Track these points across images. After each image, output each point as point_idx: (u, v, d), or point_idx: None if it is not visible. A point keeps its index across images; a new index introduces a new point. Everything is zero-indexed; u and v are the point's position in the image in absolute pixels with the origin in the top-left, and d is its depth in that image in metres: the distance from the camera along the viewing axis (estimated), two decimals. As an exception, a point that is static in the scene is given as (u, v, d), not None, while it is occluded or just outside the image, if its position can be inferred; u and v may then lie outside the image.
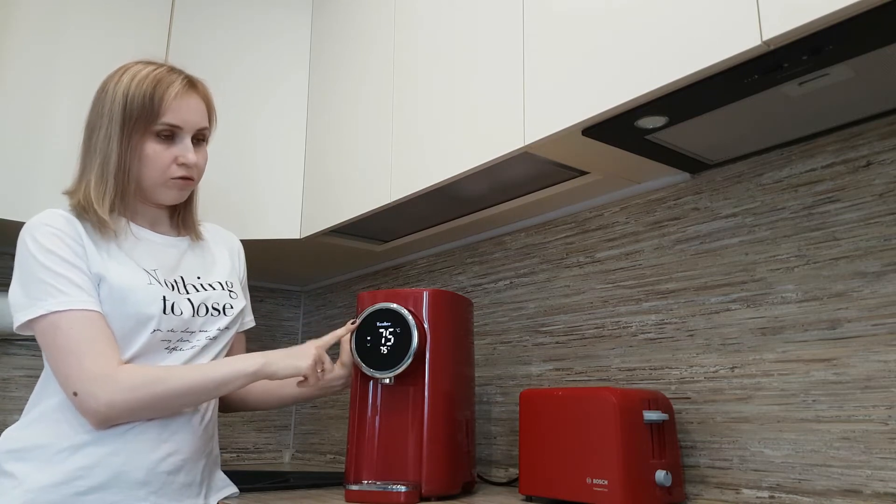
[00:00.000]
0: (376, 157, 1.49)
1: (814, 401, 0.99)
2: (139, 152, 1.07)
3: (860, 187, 0.99)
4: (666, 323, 1.21)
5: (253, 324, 1.28)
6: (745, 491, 1.05)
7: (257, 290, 2.27)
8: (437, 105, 1.33)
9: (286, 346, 2.27)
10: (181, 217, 1.19)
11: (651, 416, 1.02)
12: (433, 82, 1.36)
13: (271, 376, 1.08)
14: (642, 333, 1.24)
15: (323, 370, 1.15)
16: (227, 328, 1.14)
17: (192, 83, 1.12)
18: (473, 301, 1.62)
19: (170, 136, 1.08)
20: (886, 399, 0.92)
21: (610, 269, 1.33)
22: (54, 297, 0.98)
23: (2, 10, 1.58)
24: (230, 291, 1.17)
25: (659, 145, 1.09)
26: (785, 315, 1.04)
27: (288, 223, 1.74)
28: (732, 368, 1.10)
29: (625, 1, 0.98)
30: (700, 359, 1.14)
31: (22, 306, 0.99)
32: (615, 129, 1.03)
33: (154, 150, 1.07)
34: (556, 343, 1.41)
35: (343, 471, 1.62)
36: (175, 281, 1.10)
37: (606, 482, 0.97)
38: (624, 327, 1.28)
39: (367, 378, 1.20)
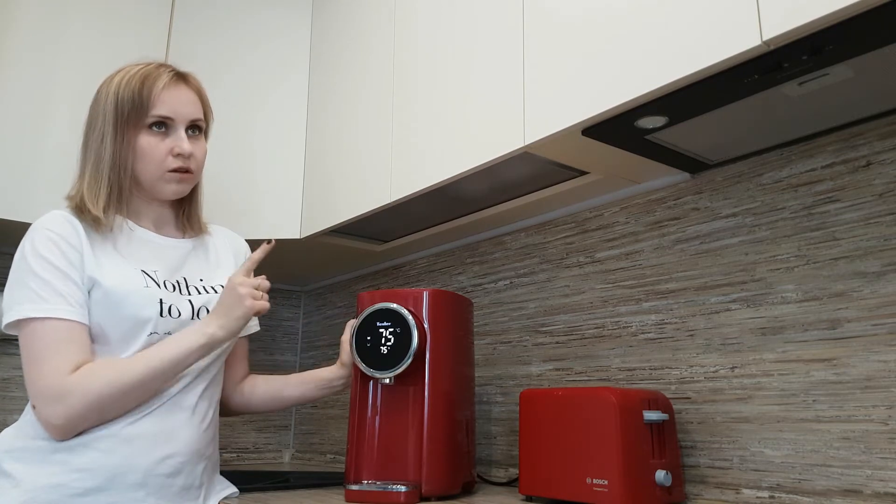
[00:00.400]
0: (376, 157, 1.49)
1: (814, 401, 0.99)
2: (133, 147, 1.07)
3: (860, 187, 0.99)
4: (666, 323, 1.21)
5: (257, 328, 1.28)
6: (745, 491, 1.05)
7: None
8: (437, 105, 1.33)
9: (286, 347, 2.29)
10: (186, 216, 1.19)
11: (651, 416, 1.02)
12: (433, 82, 1.36)
13: (226, 340, 1.04)
14: (642, 333, 1.24)
15: (265, 286, 1.08)
16: None
17: (180, 76, 1.13)
18: (473, 301, 1.62)
19: (163, 128, 1.09)
20: (886, 399, 0.92)
21: (610, 269, 1.33)
22: (34, 302, 0.98)
23: (2, 10, 1.58)
24: None
25: (659, 145, 1.09)
26: (785, 315, 1.04)
27: (288, 223, 1.74)
28: (732, 368, 1.10)
29: (625, 1, 0.98)
30: (700, 359, 1.14)
31: (6, 308, 1.00)
32: (615, 129, 1.03)
33: (148, 143, 1.08)
34: (556, 343, 1.41)
35: (343, 471, 1.63)
36: (177, 282, 1.10)
37: (606, 482, 0.96)
38: (624, 327, 1.28)
39: (367, 378, 1.20)
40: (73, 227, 1.04)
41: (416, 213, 1.50)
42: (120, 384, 0.97)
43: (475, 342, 1.60)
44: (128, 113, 1.07)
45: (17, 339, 1.00)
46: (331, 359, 1.28)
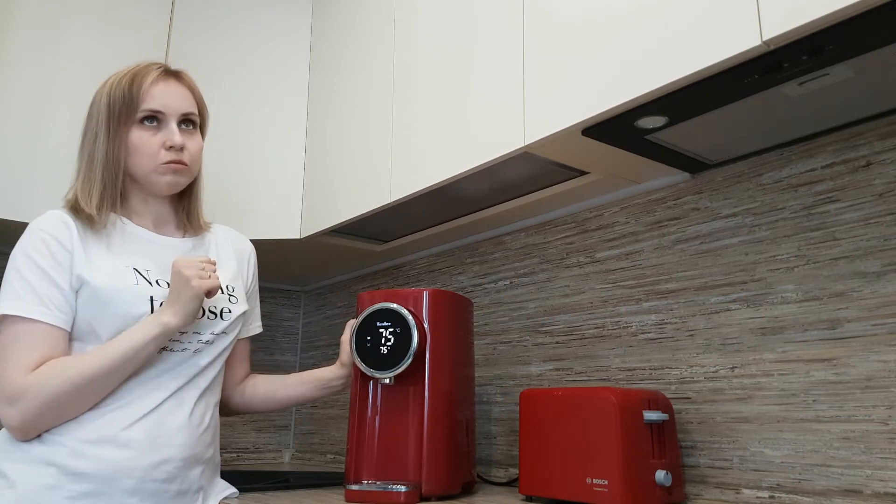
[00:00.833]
0: (376, 157, 1.49)
1: (814, 401, 0.99)
2: (126, 143, 1.08)
3: (860, 187, 0.99)
4: (666, 323, 1.21)
5: (259, 330, 1.28)
6: (745, 491, 1.05)
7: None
8: (437, 105, 1.33)
9: (286, 347, 2.29)
10: (186, 215, 1.19)
11: (651, 416, 1.02)
12: (433, 82, 1.36)
13: (181, 326, 1.02)
14: (642, 333, 1.24)
15: (211, 266, 1.06)
16: (223, 333, 1.12)
17: (170, 71, 1.13)
18: (473, 301, 1.62)
19: (155, 122, 1.09)
20: (886, 399, 0.92)
21: (610, 269, 1.33)
22: (11, 300, 0.99)
23: (2, 10, 1.58)
24: (230, 296, 1.15)
25: (659, 145, 1.09)
26: (785, 315, 1.04)
27: (288, 223, 1.74)
28: (732, 368, 1.10)
29: (625, 1, 0.98)
30: (700, 359, 1.14)
31: None
32: (615, 129, 1.03)
33: (140, 138, 1.08)
34: (556, 343, 1.41)
35: (343, 471, 1.63)
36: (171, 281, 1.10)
37: (606, 482, 0.96)
38: (624, 327, 1.28)
39: (367, 378, 1.20)
40: (66, 226, 1.05)
41: (416, 213, 1.50)
42: (75, 381, 0.96)
43: (475, 342, 1.60)
44: (119, 110, 1.08)
45: None
46: (331, 359, 1.28)
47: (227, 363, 1.20)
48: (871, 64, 0.82)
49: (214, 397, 1.14)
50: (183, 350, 1.07)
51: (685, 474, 1.13)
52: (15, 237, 1.07)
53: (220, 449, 1.20)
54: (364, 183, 1.52)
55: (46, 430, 0.99)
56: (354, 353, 1.18)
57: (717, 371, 1.12)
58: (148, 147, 1.08)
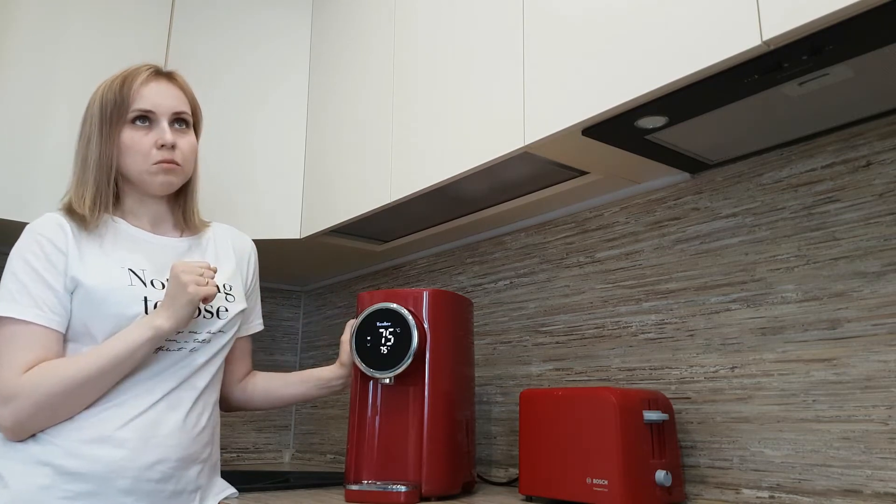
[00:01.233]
0: (376, 157, 1.49)
1: (814, 401, 0.99)
2: (118, 144, 1.09)
3: (860, 187, 0.99)
4: (666, 323, 1.21)
5: (261, 328, 1.28)
6: (745, 491, 1.05)
7: (257, 289, 2.27)
8: (438, 105, 1.33)
9: (286, 347, 2.29)
10: (182, 214, 1.19)
11: (651, 416, 1.02)
12: (433, 82, 1.36)
13: (173, 330, 1.02)
14: (642, 333, 1.24)
15: (210, 272, 1.06)
16: (220, 331, 1.12)
17: (161, 72, 1.14)
18: (473, 301, 1.62)
19: (146, 122, 1.10)
20: (886, 399, 0.92)
21: (610, 269, 1.33)
22: (5, 302, 1.00)
23: (2, 10, 1.58)
24: (227, 295, 1.15)
25: (659, 145, 1.09)
26: (785, 315, 1.04)
27: (288, 223, 1.74)
28: (732, 368, 1.10)
29: (625, 1, 0.98)
30: (700, 359, 1.14)
31: None
32: (615, 129, 1.03)
33: (131, 138, 1.09)
34: (556, 343, 1.41)
35: (343, 471, 1.63)
36: (167, 280, 1.10)
37: (606, 482, 0.96)
38: (624, 327, 1.28)
39: (367, 378, 1.20)
40: (61, 229, 1.05)
41: (416, 213, 1.50)
42: (67, 383, 0.97)
43: (475, 342, 1.60)
44: (110, 112, 1.09)
45: None
46: (331, 359, 1.28)
47: (228, 360, 1.20)
48: (871, 64, 0.82)
49: (213, 397, 1.14)
50: (179, 349, 1.07)
51: (685, 474, 1.13)
52: (15, 237, 1.07)
53: (221, 449, 1.19)
54: (364, 183, 1.52)
55: (40, 431, 0.99)
56: (354, 353, 1.18)
57: (717, 371, 1.12)
58: (140, 146, 1.09)
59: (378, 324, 1.17)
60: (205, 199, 1.24)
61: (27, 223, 1.09)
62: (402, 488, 1.08)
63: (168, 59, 1.77)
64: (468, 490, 1.23)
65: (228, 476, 1.20)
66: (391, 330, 1.16)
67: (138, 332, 1.00)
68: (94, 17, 1.70)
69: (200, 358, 1.09)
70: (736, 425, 1.08)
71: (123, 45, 1.71)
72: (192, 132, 1.16)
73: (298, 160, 1.78)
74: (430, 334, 1.17)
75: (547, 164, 1.21)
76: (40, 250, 1.03)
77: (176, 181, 1.13)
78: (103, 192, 1.09)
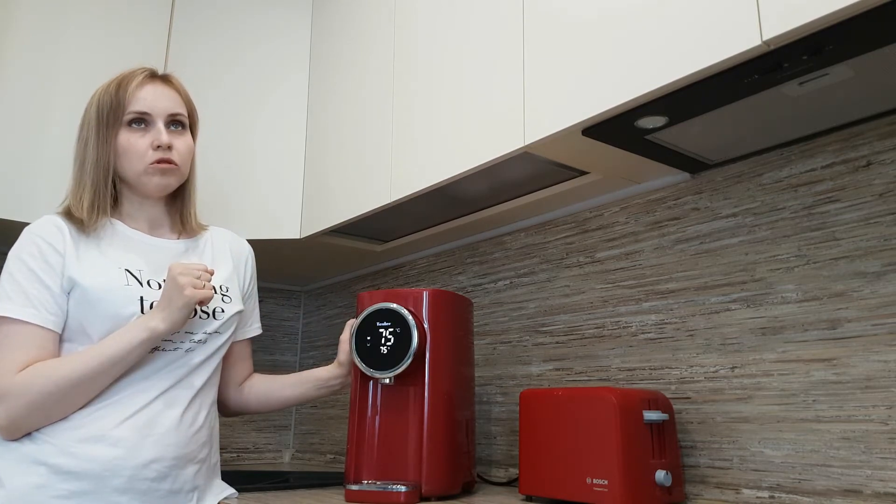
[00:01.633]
0: (376, 157, 1.49)
1: (814, 401, 0.99)
2: (115, 146, 1.10)
3: (860, 187, 0.99)
4: (666, 323, 1.21)
5: (259, 331, 1.28)
6: (745, 491, 1.05)
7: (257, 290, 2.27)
8: (437, 105, 1.33)
9: (286, 347, 2.29)
10: (179, 216, 1.19)
11: (651, 416, 1.02)
12: (433, 82, 1.36)
13: (169, 331, 1.02)
14: (642, 333, 1.24)
15: (207, 275, 1.06)
16: (216, 332, 1.12)
17: (156, 74, 1.15)
18: (473, 301, 1.62)
19: (142, 125, 1.11)
20: (886, 399, 0.92)
21: (610, 269, 1.33)
22: (2, 301, 1.01)
23: (2, 10, 1.58)
24: (223, 296, 1.16)
25: (659, 145, 1.08)
26: (785, 315, 1.04)
27: (288, 223, 1.74)
28: (732, 368, 1.10)
29: (625, 1, 0.98)
30: (700, 359, 1.14)
31: None
32: (615, 129, 1.03)
33: (128, 140, 1.10)
34: (556, 343, 1.41)
35: (343, 471, 1.63)
36: (164, 281, 1.10)
37: (606, 482, 0.96)
38: (624, 327, 1.28)
39: (367, 378, 1.20)
40: (59, 230, 1.06)
41: (416, 213, 1.50)
42: (60, 383, 0.97)
43: (475, 342, 1.60)
44: (107, 115, 1.10)
45: None
46: (331, 359, 1.28)
47: (226, 364, 1.20)
48: (871, 64, 0.82)
49: (210, 397, 1.14)
50: (175, 349, 1.07)
51: (685, 474, 1.13)
52: (14, 237, 1.08)
53: (221, 449, 1.20)
54: (364, 183, 1.52)
55: (35, 430, 0.99)
56: (354, 353, 1.18)
57: (717, 371, 1.12)
58: (136, 148, 1.09)
59: (378, 324, 1.17)
60: (205, 199, 1.25)
61: (27, 223, 1.09)
62: (402, 488, 1.08)
63: (168, 59, 1.77)
64: (468, 490, 1.23)
65: (228, 476, 1.20)
66: (391, 330, 1.16)
67: (133, 334, 1.00)
68: (94, 18, 1.70)
69: (197, 358, 1.10)
70: (736, 425, 1.08)
71: (123, 46, 1.71)
72: (188, 134, 1.16)
73: (298, 160, 1.78)
74: (430, 334, 1.17)
75: (547, 164, 1.21)
76: (37, 251, 1.04)
77: (173, 182, 1.13)
78: (101, 194, 1.09)
